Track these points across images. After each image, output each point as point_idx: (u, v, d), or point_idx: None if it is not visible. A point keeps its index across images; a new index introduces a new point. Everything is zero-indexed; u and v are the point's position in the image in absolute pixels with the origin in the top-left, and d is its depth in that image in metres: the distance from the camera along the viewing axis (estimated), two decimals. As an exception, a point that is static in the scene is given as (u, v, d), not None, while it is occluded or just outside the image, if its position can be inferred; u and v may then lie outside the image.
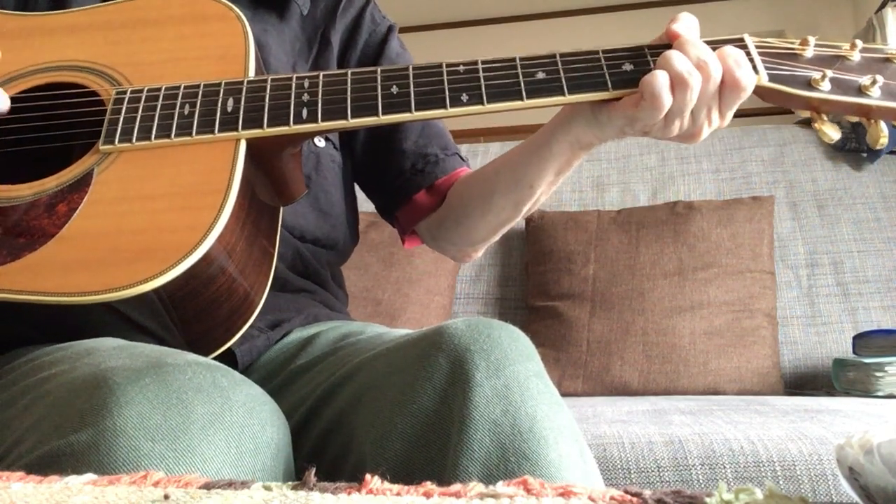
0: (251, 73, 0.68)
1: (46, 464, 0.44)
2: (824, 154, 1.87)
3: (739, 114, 0.69)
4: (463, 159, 0.91)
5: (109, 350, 0.54)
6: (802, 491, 0.95)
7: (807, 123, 1.96)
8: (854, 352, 1.55)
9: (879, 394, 1.38)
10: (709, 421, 1.10)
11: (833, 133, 0.65)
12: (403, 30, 0.97)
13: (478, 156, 1.98)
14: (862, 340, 1.54)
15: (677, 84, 0.61)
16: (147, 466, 0.43)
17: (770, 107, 0.78)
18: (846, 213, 1.77)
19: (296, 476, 0.53)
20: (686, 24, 0.65)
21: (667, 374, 1.54)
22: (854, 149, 1.84)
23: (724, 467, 0.98)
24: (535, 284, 1.75)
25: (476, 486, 0.31)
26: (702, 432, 1.04)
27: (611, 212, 1.78)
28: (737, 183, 1.85)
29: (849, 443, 0.31)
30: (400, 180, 0.88)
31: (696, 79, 0.61)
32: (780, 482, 0.96)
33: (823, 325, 1.66)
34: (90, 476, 0.35)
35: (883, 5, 2.88)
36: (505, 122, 3.04)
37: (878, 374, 1.38)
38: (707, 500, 0.28)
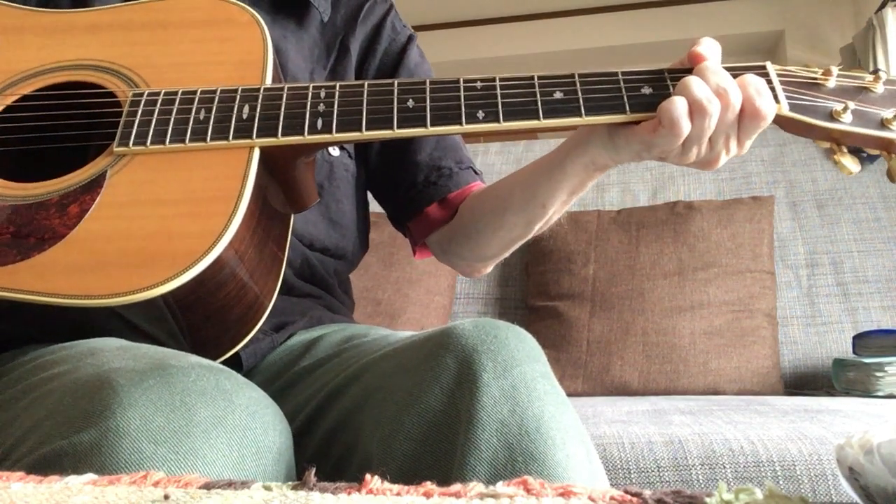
0: (268, 80, 0.67)
1: (48, 464, 0.44)
2: (824, 154, 1.87)
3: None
4: (477, 173, 0.91)
5: (113, 351, 0.54)
6: (802, 491, 0.95)
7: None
8: (854, 352, 1.55)
9: (879, 394, 1.38)
10: (709, 421, 1.10)
11: (853, 166, 0.64)
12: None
13: (478, 156, 1.98)
14: (862, 340, 1.54)
15: (696, 111, 0.60)
16: (149, 468, 0.43)
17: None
18: (846, 213, 1.77)
19: (298, 480, 0.53)
20: (708, 48, 0.64)
21: (667, 374, 1.54)
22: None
23: (724, 467, 0.98)
24: (535, 284, 1.75)
25: (476, 486, 0.31)
26: (702, 432, 1.04)
27: (611, 212, 1.78)
28: (737, 183, 1.85)
29: (849, 443, 0.31)
30: (412, 192, 0.88)
31: (715, 107, 0.59)
32: (780, 482, 0.96)
33: (823, 325, 1.66)
34: (90, 476, 0.35)
35: (883, 5, 2.88)
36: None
37: (878, 374, 1.38)
38: (707, 500, 0.28)
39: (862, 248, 1.72)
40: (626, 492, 0.30)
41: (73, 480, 0.34)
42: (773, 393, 1.52)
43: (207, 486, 0.33)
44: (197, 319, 0.60)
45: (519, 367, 0.52)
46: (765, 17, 3.81)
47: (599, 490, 0.30)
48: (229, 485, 0.33)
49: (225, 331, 0.63)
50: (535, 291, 1.75)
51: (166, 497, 0.31)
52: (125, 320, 0.58)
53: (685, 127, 0.60)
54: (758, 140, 2.11)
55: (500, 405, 0.49)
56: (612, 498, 0.30)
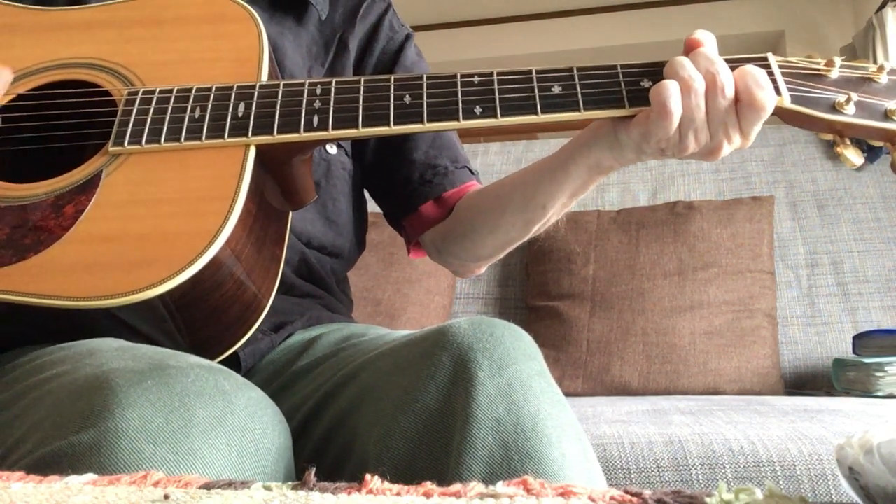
0: (264, 77, 0.67)
1: (47, 464, 0.44)
2: (824, 154, 1.87)
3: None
4: (473, 173, 0.90)
5: (112, 351, 0.54)
6: (802, 491, 0.95)
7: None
8: (854, 352, 1.55)
9: (879, 394, 1.38)
10: (709, 421, 1.10)
11: (856, 158, 0.63)
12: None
13: (478, 155, 1.98)
14: (862, 340, 1.54)
15: (683, 90, 0.59)
16: (148, 469, 0.43)
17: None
18: (846, 213, 1.77)
19: (297, 479, 0.53)
20: (703, 35, 0.63)
21: (667, 374, 1.54)
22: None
23: (724, 467, 0.98)
24: (535, 284, 1.75)
25: (476, 486, 0.31)
26: (702, 432, 1.04)
27: (611, 212, 1.78)
28: (737, 183, 1.85)
29: (849, 443, 0.31)
30: (408, 190, 0.88)
31: (699, 83, 0.59)
32: (780, 482, 0.96)
33: (823, 325, 1.66)
34: (90, 476, 0.35)
35: (883, 5, 2.88)
36: (505, 123, 3.04)
37: (878, 374, 1.38)
38: (707, 500, 0.28)
39: (862, 248, 1.72)
40: (626, 492, 0.30)
41: (73, 480, 0.34)
42: (773, 393, 1.52)
43: (207, 487, 0.33)
44: (195, 319, 0.59)
45: (515, 365, 0.51)
46: (765, 17, 3.81)
47: (599, 490, 0.30)
48: (229, 485, 0.33)
49: (224, 330, 0.63)
50: (535, 291, 1.75)
51: (166, 497, 0.31)
52: (123, 321, 0.58)
53: (674, 107, 0.59)
54: (758, 140, 2.11)
55: (495, 403, 0.49)
56: (612, 498, 0.30)
